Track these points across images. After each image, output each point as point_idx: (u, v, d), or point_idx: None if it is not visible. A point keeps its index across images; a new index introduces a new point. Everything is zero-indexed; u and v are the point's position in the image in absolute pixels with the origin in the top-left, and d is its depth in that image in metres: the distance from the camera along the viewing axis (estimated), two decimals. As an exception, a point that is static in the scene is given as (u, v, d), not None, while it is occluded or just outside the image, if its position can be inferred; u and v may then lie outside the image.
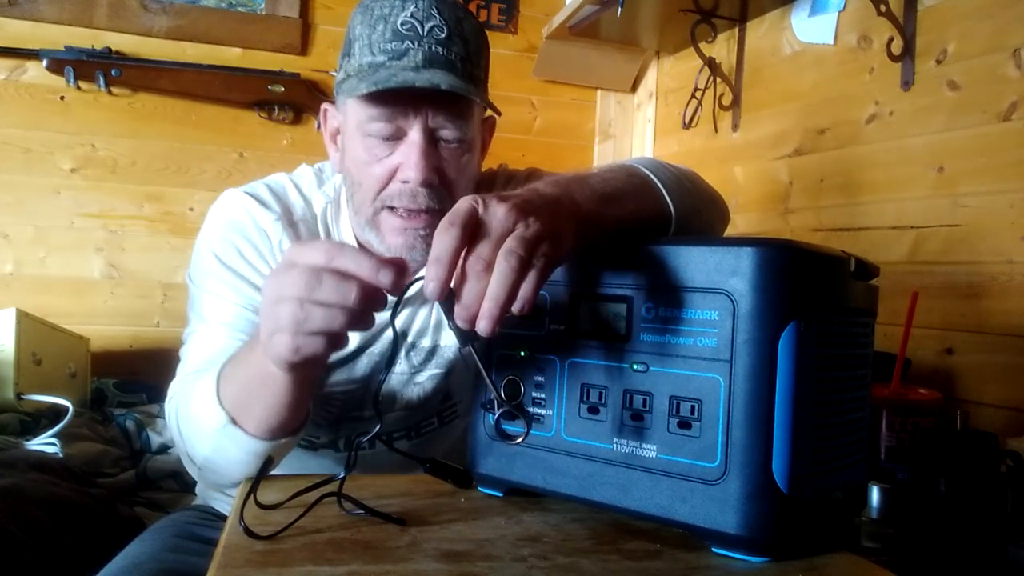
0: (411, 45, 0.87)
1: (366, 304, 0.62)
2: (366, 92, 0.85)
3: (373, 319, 0.65)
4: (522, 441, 0.65)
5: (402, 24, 0.87)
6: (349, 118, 0.93)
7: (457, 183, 0.92)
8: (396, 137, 0.90)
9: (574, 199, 0.66)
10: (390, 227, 0.92)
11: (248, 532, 0.61)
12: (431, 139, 0.90)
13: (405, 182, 0.89)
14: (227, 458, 0.80)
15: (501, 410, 0.67)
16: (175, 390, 0.90)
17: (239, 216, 0.98)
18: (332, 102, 0.99)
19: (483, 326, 0.57)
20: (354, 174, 0.93)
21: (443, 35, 0.88)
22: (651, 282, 0.65)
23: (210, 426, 0.78)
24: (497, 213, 0.59)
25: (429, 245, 0.91)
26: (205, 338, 0.94)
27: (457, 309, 0.59)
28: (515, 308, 0.58)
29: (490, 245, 0.58)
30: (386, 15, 0.88)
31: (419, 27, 0.87)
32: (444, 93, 0.86)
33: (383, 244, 0.93)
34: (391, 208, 0.91)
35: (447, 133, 0.90)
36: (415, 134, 0.89)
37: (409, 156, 0.89)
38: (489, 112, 0.98)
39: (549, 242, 0.60)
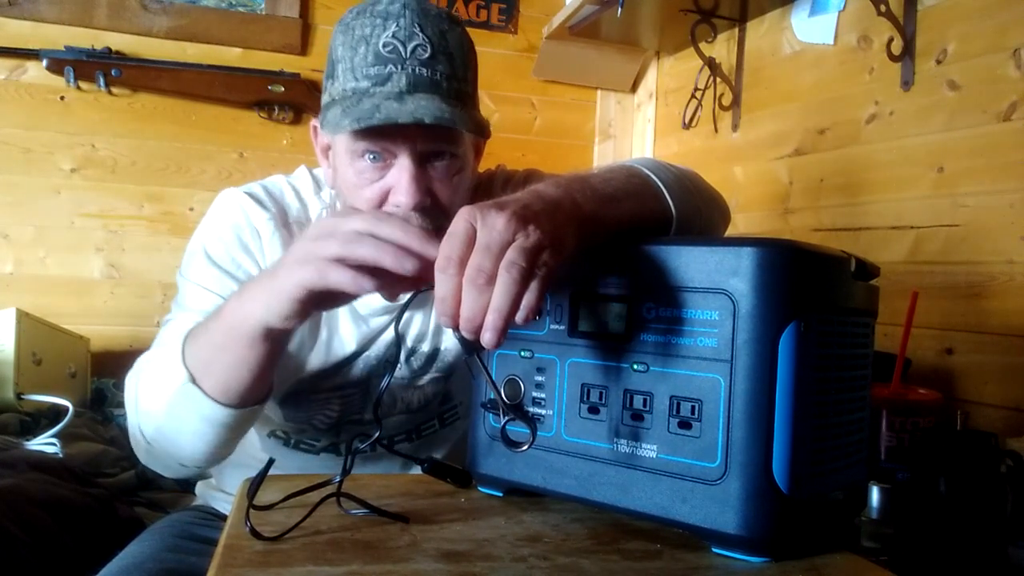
0: (394, 69, 0.85)
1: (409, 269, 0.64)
2: (348, 128, 0.84)
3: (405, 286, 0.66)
4: (527, 449, 0.65)
5: (384, 46, 0.86)
6: (338, 142, 0.92)
7: (450, 202, 0.91)
8: (385, 159, 0.89)
9: (575, 200, 0.66)
10: None
11: (254, 533, 0.61)
12: (421, 162, 0.88)
13: (397, 206, 0.89)
14: (180, 424, 0.81)
15: (507, 418, 0.67)
16: (136, 367, 0.90)
17: (233, 214, 0.98)
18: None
19: (488, 338, 0.58)
20: (346, 196, 0.93)
21: (427, 55, 0.86)
22: (651, 282, 0.65)
23: (169, 386, 0.79)
24: (496, 224, 0.59)
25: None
26: (179, 324, 0.92)
27: (461, 321, 0.59)
28: (519, 318, 0.58)
29: (491, 257, 0.58)
30: (367, 36, 0.86)
31: (402, 48, 0.86)
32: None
33: None
34: None
35: (437, 151, 0.89)
36: (404, 159, 0.87)
37: (400, 180, 0.88)
38: (485, 110, 0.97)
39: (550, 250, 0.60)
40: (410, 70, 0.85)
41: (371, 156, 0.88)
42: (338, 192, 0.96)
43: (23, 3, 1.92)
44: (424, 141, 0.88)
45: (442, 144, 0.89)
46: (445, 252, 0.59)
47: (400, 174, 0.88)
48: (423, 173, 0.89)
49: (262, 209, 0.97)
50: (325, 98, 0.92)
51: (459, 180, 0.93)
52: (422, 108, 0.83)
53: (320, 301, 0.69)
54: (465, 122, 0.86)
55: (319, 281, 0.66)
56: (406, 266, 0.63)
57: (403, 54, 0.86)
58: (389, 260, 0.63)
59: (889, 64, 1.43)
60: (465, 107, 0.89)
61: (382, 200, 0.90)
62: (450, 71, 0.88)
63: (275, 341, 0.75)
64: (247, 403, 0.80)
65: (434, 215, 0.90)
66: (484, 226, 0.59)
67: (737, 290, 0.60)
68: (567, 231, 0.63)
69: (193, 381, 0.78)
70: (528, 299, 0.58)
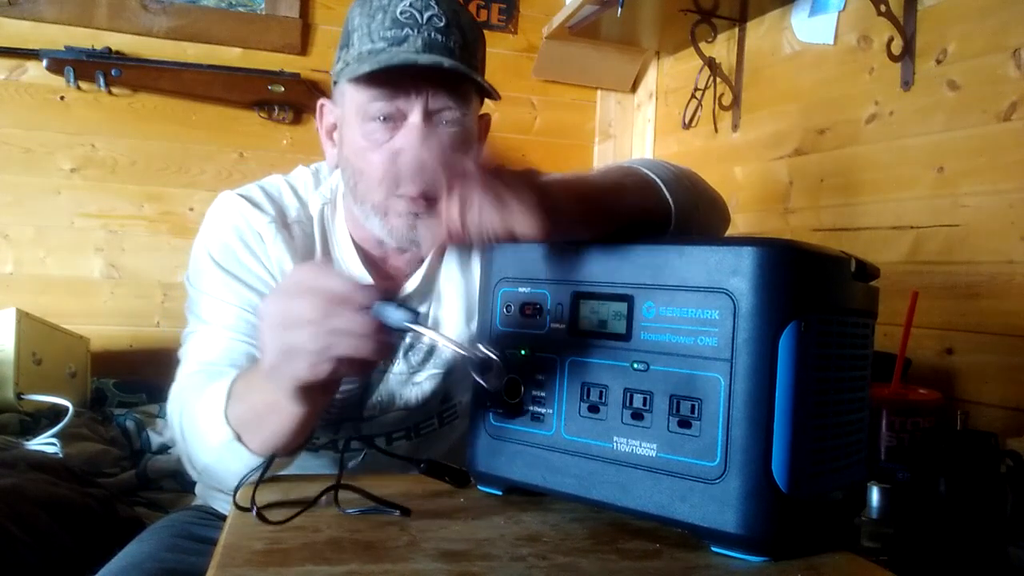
0: (410, 32, 0.88)
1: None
2: (368, 71, 0.86)
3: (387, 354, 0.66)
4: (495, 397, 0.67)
5: (401, 13, 0.89)
6: (348, 105, 0.93)
7: None
8: (396, 121, 0.90)
9: (571, 185, 0.67)
10: (395, 211, 0.92)
11: (260, 517, 0.61)
12: (431, 122, 0.90)
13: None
14: (228, 469, 0.80)
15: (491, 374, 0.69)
16: (177, 393, 0.90)
17: (234, 218, 0.98)
18: (329, 98, 0.99)
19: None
20: (353, 162, 0.93)
21: (441, 24, 0.89)
22: (652, 281, 0.65)
23: (214, 440, 0.79)
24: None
25: (426, 227, 0.92)
26: (204, 339, 0.94)
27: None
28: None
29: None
30: (384, 5, 0.89)
31: (418, 15, 0.89)
32: (444, 76, 0.87)
33: (386, 227, 0.93)
34: (399, 196, 0.92)
35: (447, 115, 0.91)
36: (415, 116, 0.89)
37: (409, 139, 0.89)
38: (485, 109, 0.98)
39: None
40: (426, 34, 0.88)
41: (382, 118, 0.90)
42: (344, 166, 0.97)
43: (23, 3, 1.92)
44: (435, 97, 0.89)
45: (451, 105, 0.90)
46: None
47: (409, 132, 0.89)
48: (433, 134, 0.90)
49: (261, 212, 0.98)
50: (338, 66, 0.94)
51: (466, 149, 0.93)
52: (441, 60, 0.87)
53: (326, 384, 0.69)
54: (479, 76, 0.89)
55: (312, 377, 0.66)
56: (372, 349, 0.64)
57: (419, 20, 0.89)
58: (368, 351, 0.64)
59: (889, 64, 1.43)
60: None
61: (391, 163, 0.90)
62: (463, 42, 0.90)
63: (316, 407, 0.74)
64: (293, 451, 0.80)
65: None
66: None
67: (737, 290, 0.60)
68: (555, 194, 0.64)
69: (239, 439, 0.78)
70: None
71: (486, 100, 0.98)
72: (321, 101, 1.01)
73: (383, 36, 0.88)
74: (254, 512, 0.61)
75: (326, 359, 0.64)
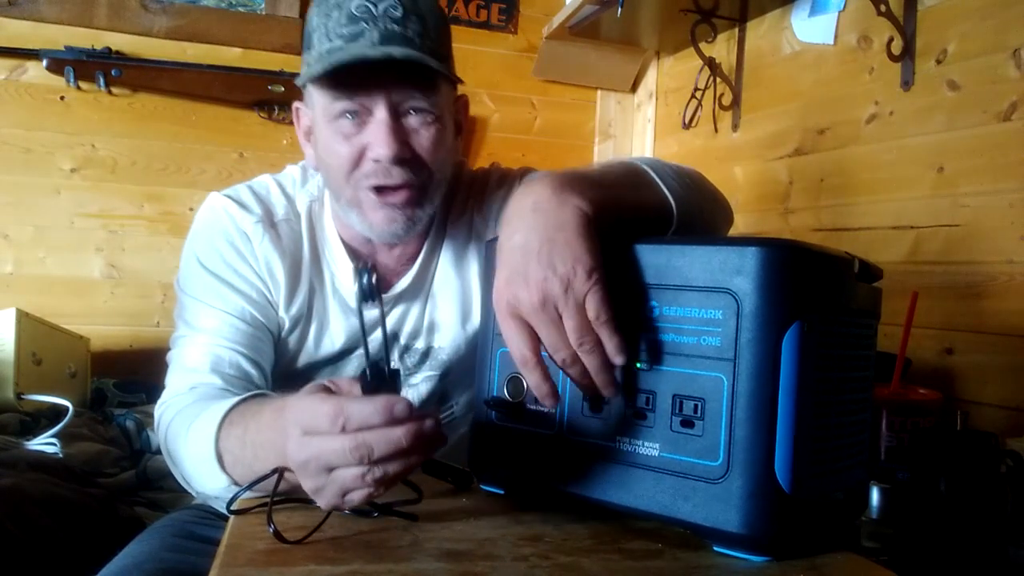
0: (366, 26, 0.87)
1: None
2: (321, 72, 0.85)
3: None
4: None
5: (356, 8, 0.87)
6: (316, 108, 0.93)
7: (430, 155, 0.92)
8: (362, 117, 0.89)
9: (576, 205, 0.66)
10: (370, 204, 0.92)
11: (278, 536, 0.61)
12: (397, 114, 0.89)
13: (377, 160, 0.89)
14: (228, 497, 0.80)
15: None
16: (167, 409, 0.90)
17: (221, 220, 0.98)
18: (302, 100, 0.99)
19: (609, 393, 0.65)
20: (326, 160, 0.93)
21: (398, 13, 0.88)
22: (655, 281, 0.65)
23: (214, 483, 0.79)
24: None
25: (409, 219, 0.92)
26: (192, 346, 0.95)
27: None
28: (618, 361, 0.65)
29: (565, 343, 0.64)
30: (339, 2, 0.88)
31: (373, 8, 0.87)
32: (405, 67, 0.86)
33: (365, 222, 0.93)
34: (368, 187, 0.91)
35: (412, 105, 0.90)
36: (380, 111, 0.88)
37: (376, 134, 0.88)
38: (461, 91, 0.98)
39: (589, 294, 0.63)
40: (382, 27, 0.87)
41: (348, 115, 0.89)
42: (321, 166, 0.97)
43: (23, 3, 1.91)
44: (398, 91, 0.88)
45: (416, 95, 0.89)
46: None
47: (376, 128, 0.89)
48: (399, 126, 0.89)
49: (247, 213, 0.98)
50: (303, 69, 0.93)
51: (437, 133, 0.92)
52: (393, 51, 0.85)
53: None
54: (436, 63, 0.87)
55: (344, 505, 0.63)
56: (400, 467, 0.60)
57: (374, 13, 0.87)
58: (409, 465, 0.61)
59: (889, 64, 1.43)
60: (437, 61, 0.90)
61: (359, 156, 0.90)
62: (422, 30, 0.89)
63: None
64: None
65: (414, 169, 0.91)
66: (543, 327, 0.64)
67: (741, 289, 0.61)
68: (583, 251, 0.64)
69: (237, 484, 0.76)
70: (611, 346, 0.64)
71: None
72: (296, 105, 1.00)
73: (339, 34, 0.87)
74: (271, 529, 0.61)
75: (380, 484, 0.61)
